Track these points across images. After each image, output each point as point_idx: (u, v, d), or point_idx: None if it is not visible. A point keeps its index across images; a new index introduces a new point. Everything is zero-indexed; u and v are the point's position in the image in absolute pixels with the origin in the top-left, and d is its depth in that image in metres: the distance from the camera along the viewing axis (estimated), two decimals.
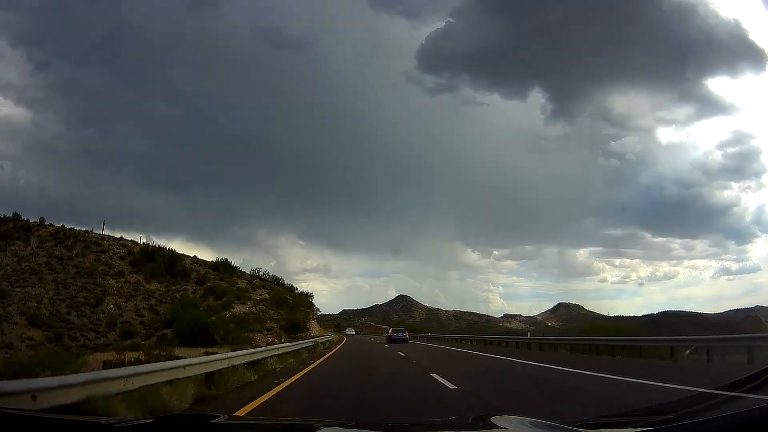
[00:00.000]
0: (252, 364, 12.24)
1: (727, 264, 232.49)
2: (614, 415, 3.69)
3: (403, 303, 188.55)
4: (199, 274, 56.06)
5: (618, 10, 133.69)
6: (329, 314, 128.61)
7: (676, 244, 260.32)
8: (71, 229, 59.77)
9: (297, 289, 63.22)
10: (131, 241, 60.64)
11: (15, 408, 3.36)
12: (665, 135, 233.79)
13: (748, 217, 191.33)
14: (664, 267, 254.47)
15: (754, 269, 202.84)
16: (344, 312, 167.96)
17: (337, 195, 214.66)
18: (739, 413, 2.00)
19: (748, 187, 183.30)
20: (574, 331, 41.97)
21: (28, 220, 60.32)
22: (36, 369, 9.76)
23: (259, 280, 60.06)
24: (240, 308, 48.42)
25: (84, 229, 59.84)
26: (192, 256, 61.29)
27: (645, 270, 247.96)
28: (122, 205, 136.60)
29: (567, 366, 14.35)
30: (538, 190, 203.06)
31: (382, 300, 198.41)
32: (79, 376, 5.38)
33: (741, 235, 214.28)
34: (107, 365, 8.08)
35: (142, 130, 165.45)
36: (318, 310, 67.10)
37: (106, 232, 61.23)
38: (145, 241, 61.17)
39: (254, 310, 49.15)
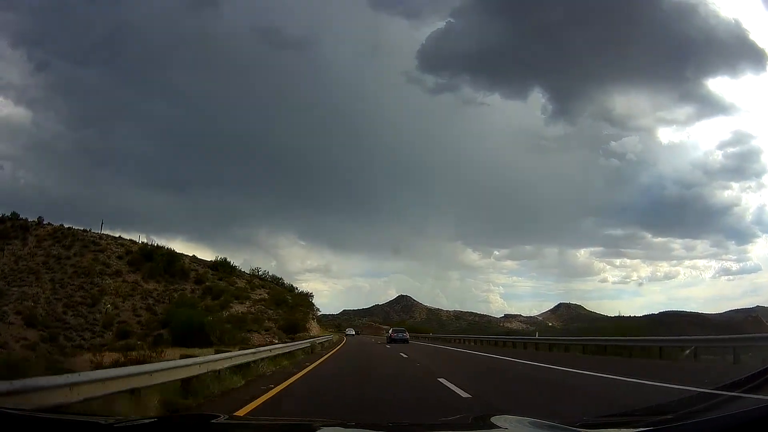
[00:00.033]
0: (239, 368, 11.27)
1: (727, 264, 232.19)
2: (614, 415, 3.69)
3: (403, 303, 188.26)
4: (197, 273, 55.89)
5: (618, 10, 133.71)
6: (329, 314, 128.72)
7: (677, 244, 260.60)
8: (69, 228, 59.68)
9: (297, 289, 63.35)
10: (129, 240, 60.59)
11: (15, 408, 3.36)
12: (666, 135, 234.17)
13: (749, 218, 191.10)
14: (664, 267, 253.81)
15: (755, 269, 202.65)
16: (344, 312, 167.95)
17: (337, 195, 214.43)
18: (739, 413, 2.00)
19: (749, 188, 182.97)
20: (575, 331, 42.07)
21: (26, 220, 60.19)
22: None
23: (258, 279, 59.99)
24: (238, 308, 48.35)
25: (82, 229, 59.82)
26: (191, 255, 61.29)
27: (645, 270, 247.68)
28: (122, 205, 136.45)
29: (590, 369, 12.90)
30: (539, 190, 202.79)
31: (382, 300, 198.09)
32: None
33: (741, 236, 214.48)
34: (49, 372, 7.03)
35: (142, 130, 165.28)
36: (318, 310, 67.22)
37: (105, 231, 61.24)
38: (144, 240, 61.22)
39: (252, 309, 49.07)
